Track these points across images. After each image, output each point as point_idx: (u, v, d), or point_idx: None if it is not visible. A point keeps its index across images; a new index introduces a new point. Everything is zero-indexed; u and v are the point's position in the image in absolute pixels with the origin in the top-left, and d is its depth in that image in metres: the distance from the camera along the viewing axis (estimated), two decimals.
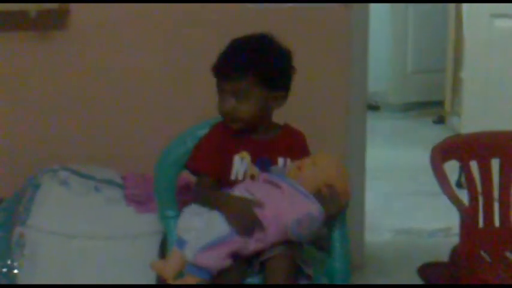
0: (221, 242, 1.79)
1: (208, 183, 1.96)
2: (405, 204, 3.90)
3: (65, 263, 2.31)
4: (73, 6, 2.61)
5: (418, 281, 2.77)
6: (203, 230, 1.82)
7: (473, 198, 2.44)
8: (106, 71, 2.70)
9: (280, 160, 2.01)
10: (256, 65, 1.94)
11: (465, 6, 4.17)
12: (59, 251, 2.33)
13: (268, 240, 1.82)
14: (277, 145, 2.02)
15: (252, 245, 1.82)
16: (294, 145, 2.04)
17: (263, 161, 1.99)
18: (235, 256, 1.82)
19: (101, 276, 2.30)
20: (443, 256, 2.39)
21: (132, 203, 2.45)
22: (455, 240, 2.34)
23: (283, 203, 1.83)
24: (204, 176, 1.98)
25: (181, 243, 1.86)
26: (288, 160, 2.00)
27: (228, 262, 1.80)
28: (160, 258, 2.08)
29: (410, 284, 2.82)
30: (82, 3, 2.61)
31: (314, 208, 1.84)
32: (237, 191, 1.90)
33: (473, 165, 2.50)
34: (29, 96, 2.68)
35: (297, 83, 2.69)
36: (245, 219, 1.81)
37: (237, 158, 1.97)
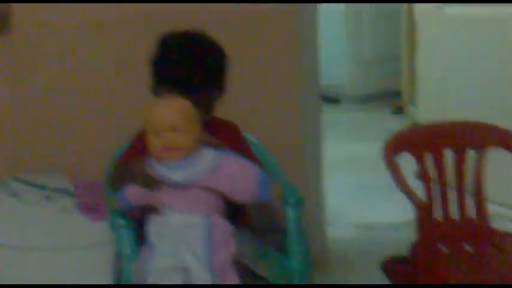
0: None
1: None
2: (367, 198, 3.90)
3: (19, 275, 2.26)
4: (16, 8, 2.53)
5: (381, 275, 2.76)
6: None
7: (428, 190, 2.44)
8: (52, 75, 2.64)
9: None
10: (211, 73, 1.96)
11: None
12: (12, 264, 2.28)
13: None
14: None
15: None
16: (222, 137, 1.93)
17: None
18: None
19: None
20: (406, 250, 2.39)
21: (85, 212, 2.41)
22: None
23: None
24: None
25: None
26: None
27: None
28: (115, 268, 2.03)
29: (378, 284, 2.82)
30: (24, 3, 2.54)
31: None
32: None
33: (428, 158, 2.50)
34: None
35: (248, 77, 2.69)
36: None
37: None
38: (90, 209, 2.42)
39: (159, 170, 1.75)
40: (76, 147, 2.70)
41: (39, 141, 2.68)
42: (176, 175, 1.74)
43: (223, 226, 1.78)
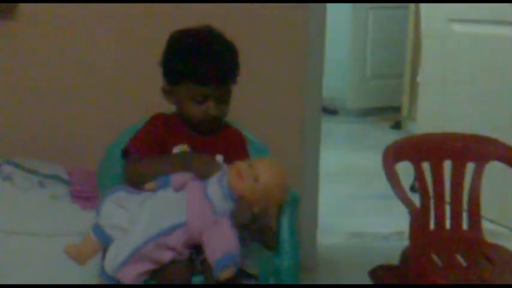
0: (138, 251, 1.73)
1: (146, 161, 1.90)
2: (360, 208, 3.91)
3: (4, 259, 2.23)
4: None
5: (369, 282, 2.76)
6: (123, 239, 1.77)
7: (424, 199, 2.43)
8: (53, 62, 2.63)
9: (219, 157, 1.97)
10: (237, 63, 1.95)
11: (423, 10, 4.18)
12: None
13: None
14: (217, 142, 1.99)
15: (175, 242, 1.77)
16: (230, 144, 2.01)
17: None
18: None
19: (43, 274, 2.23)
20: (396, 259, 2.38)
21: (77, 200, 2.39)
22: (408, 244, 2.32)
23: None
24: (135, 157, 1.92)
25: (101, 234, 1.80)
26: (221, 158, 1.96)
27: (145, 277, 1.77)
28: (104, 256, 2.01)
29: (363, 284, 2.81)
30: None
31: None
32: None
33: (427, 168, 2.49)
34: None
35: (253, 85, 2.71)
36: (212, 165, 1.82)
37: (176, 150, 1.93)
38: (82, 198, 2.40)
39: None
40: (72, 135, 2.68)
41: (36, 128, 2.66)
42: None
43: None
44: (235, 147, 2.01)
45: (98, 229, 1.82)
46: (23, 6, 2.54)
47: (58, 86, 2.65)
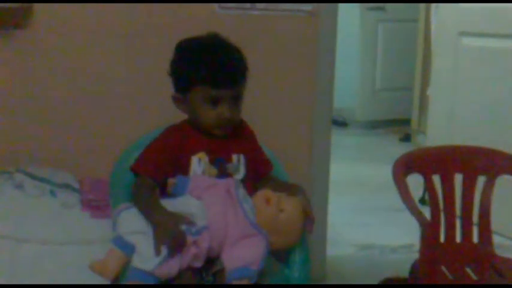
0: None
1: (146, 185, 1.91)
2: (369, 220, 3.89)
3: (15, 268, 2.23)
4: (36, 5, 2.55)
5: None
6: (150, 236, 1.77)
7: (434, 211, 2.42)
8: (66, 72, 2.64)
9: (235, 157, 1.99)
10: (246, 66, 1.98)
11: (433, 23, 4.19)
12: (9, 256, 2.25)
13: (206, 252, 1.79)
14: (231, 143, 2.01)
15: (204, 244, 1.77)
16: (245, 142, 2.05)
17: (220, 160, 1.97)
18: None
19: (53, 282, 2.22)
20: (405, 272, 2.37)
21: (88, 208, 2.40)
22: (417, 257, 2.31)
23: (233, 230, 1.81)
24: (143, 177, 1.94)
25: (124, 245, 1.80)
26: (242, 157, 1.99)
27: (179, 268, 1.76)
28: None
29: None
30: (45, 3, 2.56)
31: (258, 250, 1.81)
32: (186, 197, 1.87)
33: (437, 180, 2.49)
34: None
35: (264, 96, 2.72)
36: (170, 236, 1.75)
37: (194, 160, 1.94)
38: (92, 206, 2.40)
39: None
40: (83, 144, 2.69)
41: (47, 137, 2.67)
42: None
43: None
44: (251, 145, 2.06)
45: (118, 240, 1.81)
46: (36, 15, 2.56)
47: (70, 95, 2.66)
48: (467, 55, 3.78)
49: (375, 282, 2.89)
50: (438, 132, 4.01)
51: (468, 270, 2.32)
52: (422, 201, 3.58)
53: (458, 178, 2.49)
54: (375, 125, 6.16)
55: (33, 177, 2.46)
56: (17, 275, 2.23)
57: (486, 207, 2.45)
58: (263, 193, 1.90)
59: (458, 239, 2.48)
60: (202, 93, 1.92)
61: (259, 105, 2.69)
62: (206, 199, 1.83)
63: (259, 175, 2.06)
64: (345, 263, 3.30)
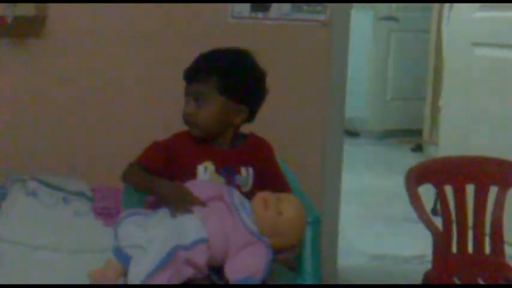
0: (165, 262, 1.73)
1: (138, 169, 1.95)
2: (381, 230, 3.89)
3: (27, 274, 2.24)
4: (50, 13, 2.57)
5: None
6: (146, 253, 1.77)
7: (447, 222, 2.42)
8: (80, 80, 2.67)
9: (243, 170, 1.98)
10: (221, 70, 1.94)
11: (446, 34, 4.19)
12: (22, 262, 2.26)
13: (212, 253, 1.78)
14: (242, 155, 2.00)
15: (198, 259, 1.77)
16: (258, 154, 2.03)
17: (228, 171, 1.96)
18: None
19: None
20: (417, 283, 2.37)
21: (100, 216, 2.40)
22: (429, 267, 2.31)
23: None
24: (134, 164, 1.97)
25: (122, 256, 1.80)
26: (250, 170, 1.98)
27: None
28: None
29: None
30: (59, 10, 2.58)
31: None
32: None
33: (449, 191, 2.48)
34: (0, 104, 2.63)
35: (276, 105, 2.72)
36: (180, 195, 1.81)
37: (200, 168, 1.95)
38: (105, 214, 2.41)
39: None
40: (97, 152, 2.71)
41: (61, 145, 2.69)
42: None
43: None
44: (265, 158, 2.04)
45: (118, 251, 1.82)
46: (50, 24, 2.58)
47: (84, 103, 2.69)
48: (479, 65, 3.78)
49: None
50: (450, 143, 4.00)
51: (480, 281, 2.31)
52: (434, 211, 3.57)
53: (470, 189, 2.49)
54: (387, 135, 6.15)
55: (47, 185, 2.48)
56: (29, 282, 2.24)
57: (498, 218, 2.44)
58: (261, 196, 1.88)
59: (470, 249, 2.47)
60: None
61: (272, 115, 2.67)
62: (202, 211, 1.83)
63: None
64: (357, 273, 3.30)
